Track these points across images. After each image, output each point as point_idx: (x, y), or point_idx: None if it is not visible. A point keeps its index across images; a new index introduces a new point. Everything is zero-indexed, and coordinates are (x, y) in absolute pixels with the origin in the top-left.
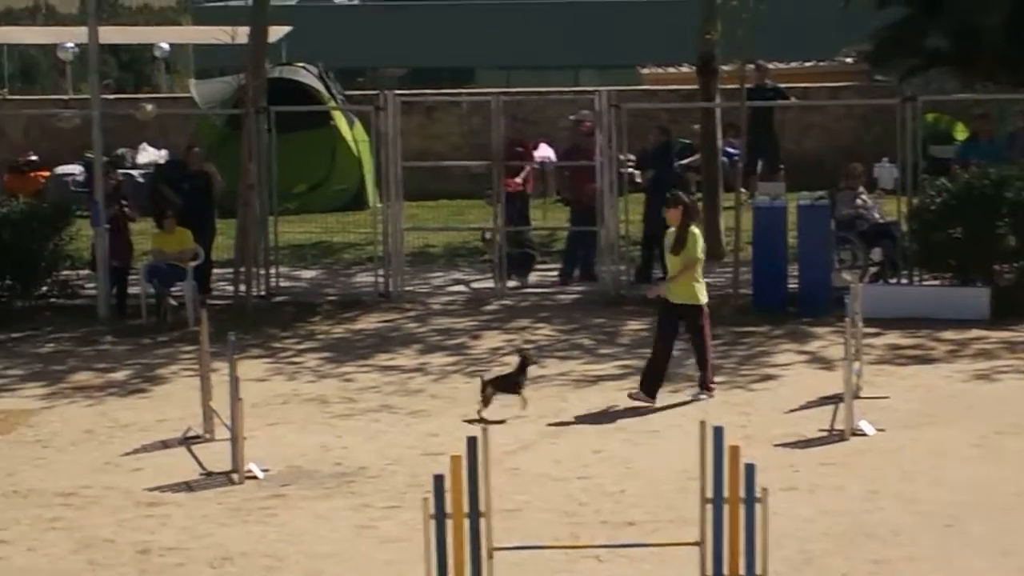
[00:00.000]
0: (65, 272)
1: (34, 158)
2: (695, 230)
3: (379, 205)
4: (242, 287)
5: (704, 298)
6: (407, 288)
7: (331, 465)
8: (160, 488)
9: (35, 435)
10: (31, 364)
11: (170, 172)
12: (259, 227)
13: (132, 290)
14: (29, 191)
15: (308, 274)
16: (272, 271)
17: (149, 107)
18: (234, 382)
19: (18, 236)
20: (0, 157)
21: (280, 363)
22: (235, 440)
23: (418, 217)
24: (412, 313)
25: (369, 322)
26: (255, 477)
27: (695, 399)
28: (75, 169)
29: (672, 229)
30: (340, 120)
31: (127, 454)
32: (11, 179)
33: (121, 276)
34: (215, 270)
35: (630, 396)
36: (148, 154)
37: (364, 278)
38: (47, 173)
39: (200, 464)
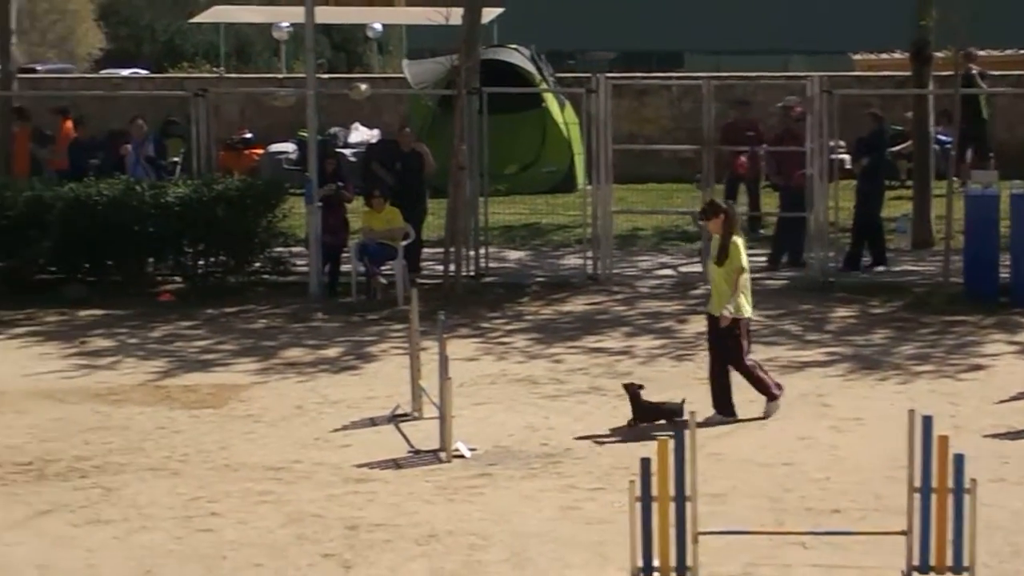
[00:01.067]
0: (278, 249)
1: (248, 136)
2: (737, 239)
3: (588, 187)
4: (451, 267)
5: (747, 312)
6: (615, 271)
7: (537, 445)
8: (368, 465)
9: (246, 410)
10: (243, 339)
11: (382, 152)
12: (469, 208)
13: (344, 268)
14: (243, 169)
15: (516, 255)
16: (481, 251)
17: (363, 87)
18: (443, 361)
19: (232, 213)
20: (215, 135)
21: (489, 343)
22: (443, 419)
23: (627, 200)
24: (620, 296)
25: (577, 304)
26: (462, 456)
27: (767, 414)
28: (288, 147)
29: (715, 239)
30: (551, 102)
31: (336, 430)
32: (226, 156)
33: (335, 254)
34: (425, 250)
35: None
36: (360, 133)
37: (572, 260)
38: (261, 151)
39: (408, 442)
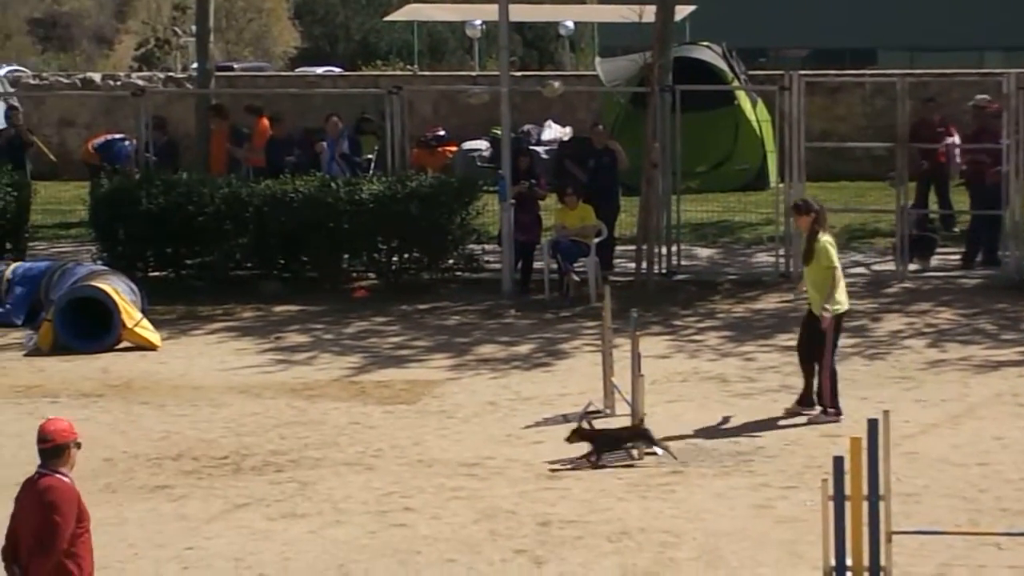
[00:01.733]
0: (471, 246)
1: (442, 133)
2: (824, 238)
3: (780, 185)
4: (644, 264)
5: (842, 308)
6: None
7: (729, 444)
8: (560, 461)
9: (440, 405)
10: (437, 335)
11: (575, 149)
12: (662, 205)
13: (536, 265)
14: (437, 166)
15: (708, 253)
16: (673, 249)
17: (556, 84)
18: (636, 358)
19: (426, 210)
20: (409, 132)
21: (680, 341)
22: (635, 416)
23: (819, 198)
24: None
25: (769, 302)
26: (654, 453)
27: (812, 421)
28: (482, 145)
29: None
30: (743, 100)
31: (529, 426)
32: (419, 154)
33: (528, 251)
34: (617, 247)
35: (811, 420)
36: (552, 131)
37: (764, 258)
38: (454, 148)
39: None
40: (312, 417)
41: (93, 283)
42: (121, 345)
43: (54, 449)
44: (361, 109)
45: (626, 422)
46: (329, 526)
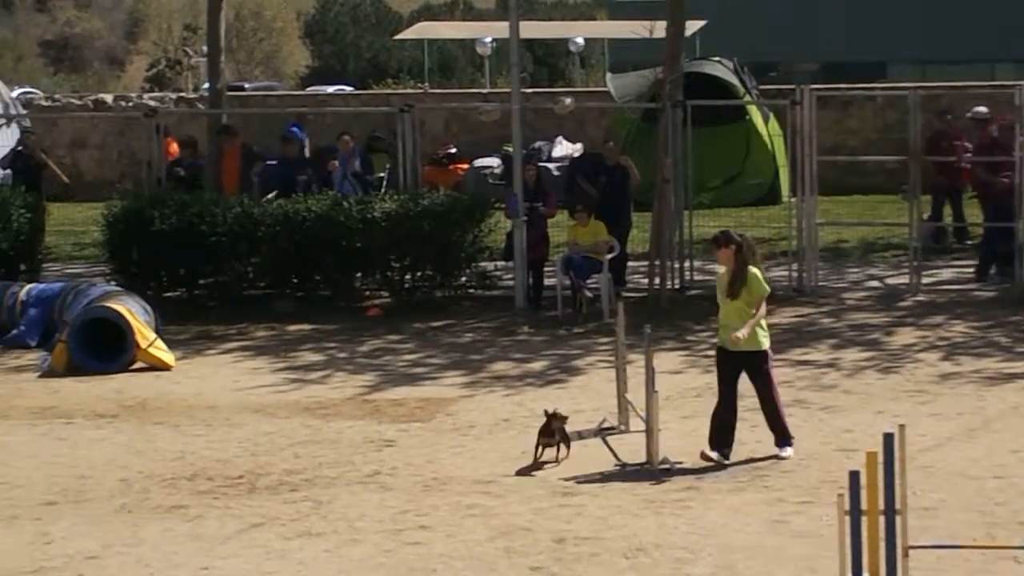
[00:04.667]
0: (483, 263)
1: (453, 151)
2: (753, 269)
3: (793, 199)
4: (657, 280)
5: (767, 343)
6: (821, 283)
7: (744, 459)
8: (575, 478)
9: (454, 423)
10: (451, 353)
11: (587, 165)
12: (674, 220)
13: (548, 282)
14: (449, 183)
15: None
16: (686, 264)
17: (568, 100)
18: (650, 374)
19: (439, 227)
20: (421, 150)
21: (695, 356)
22: (650, 432)
23: (831, 212)
24: (826, 308)
25: (783, 316)
26: (670, 469)
27: (776, 458)
28: (493, 162)
29: (723, 271)
30: (755, 114)
31: None
32: (431, 171)
33: (536, 268)
34: (630, 263)
35: (703, 456)
36: (563, 147)
37: (778, 272)
38: (466, 166)
39: (615, 455)
40: (327, 436)
41: (107, 304)
42: (135, 365)
43: None
44: (372, 127)
45: (635, 439)
46: (345, 545)
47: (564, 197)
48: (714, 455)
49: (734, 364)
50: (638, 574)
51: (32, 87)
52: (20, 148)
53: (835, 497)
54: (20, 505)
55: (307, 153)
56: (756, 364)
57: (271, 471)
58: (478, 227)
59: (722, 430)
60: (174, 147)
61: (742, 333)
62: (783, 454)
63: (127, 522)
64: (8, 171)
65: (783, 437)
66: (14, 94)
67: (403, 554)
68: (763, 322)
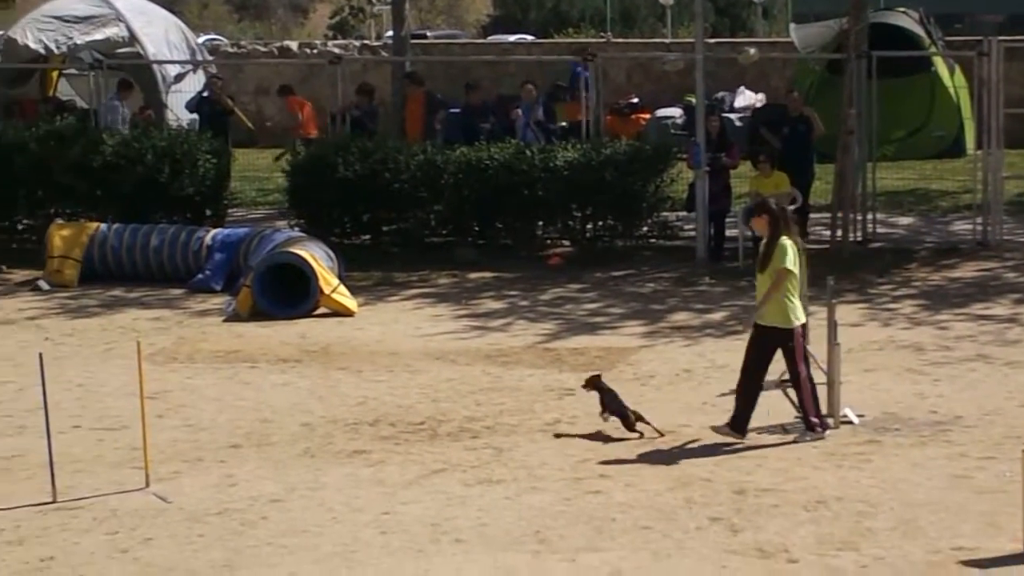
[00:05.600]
0: (665, 213)
1: (635, 101)
2: (785, 241)
3: (977, 153)
4: (839, 232)
5: (797, 320)
6: (1006, 237)
7: (926, 413)
8: (756, 430)
9: (634, 373)
10: (631, 303)
11: (769, 116)
12: (857, 173)
13: (730, 233)
14: (630, 133)
15: (904, 221)
16: (869, 217)
17: (752, 51)
18: (831, 327)
19: (620, 177)
20: (603, 100)
21: (875, 309)
22: (831, 385)
23: (1017, 165)
24: (1011, 262)
25: (966, 270)
26: (850, 422)
27: (799, 441)
28: (675, 112)
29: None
30: (940, 66)
31: (723, 395)
32: (613, 121)
33: (718, 219)
34: (812, 215)
35: (714, 429)
36: (745, 97)
37: (961, 226)
38: (648, 116)
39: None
40: (507, 384)
41: (291, 249)
42: (318, 311)
43: None
44: (555, 76)
45: (821, 392)
46: (525, 492)
47: (746, 148)
48: (725, 431)
49: (762, 337)
50: (818, 527)
51: (218, 34)
52: (206, 94)
53: (1019, 453)
54: (205, 448)
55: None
56: (783, 341)
57: (452, 418)
58: (660, 177)
59: (746, 408)
60: (308, 109)
61: (759, 313)
62: (807, 438)
63: (310, 466)
64: (195, 115)
65: (806, 422)
66: (200, 40)
67: (583, 502)
68: (793, 298)
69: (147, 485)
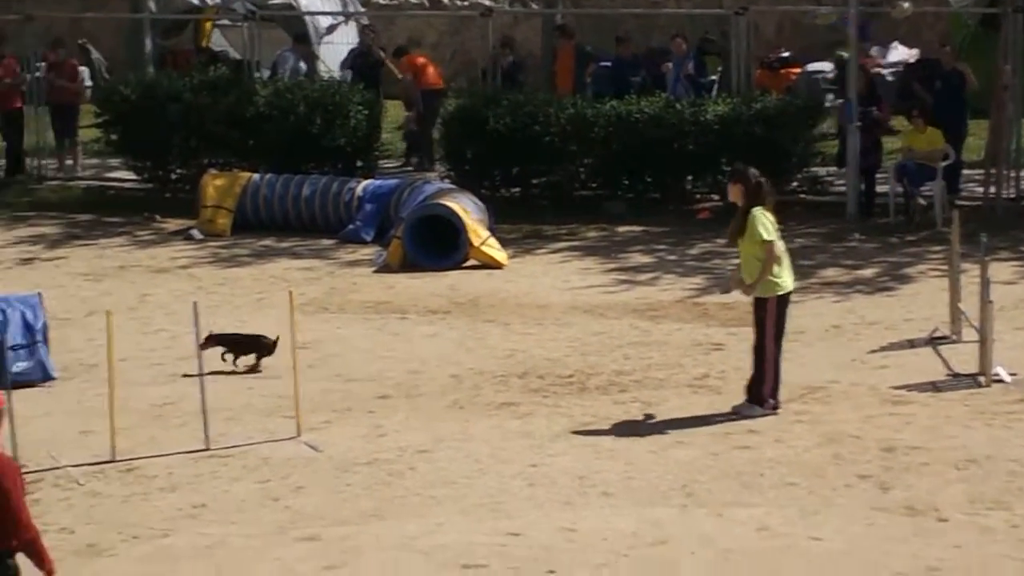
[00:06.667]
0: (815, 169)
1: (786, 55)
2: (756, 211)
3: None
4: (992, 189)
5: (770, 292)
6: None
7: None
8: (906, 387)
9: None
10: None
11: (922, 71)
12: (1011, 128)
13: (880, 188)
14: (780, 88)
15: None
16: (1023, 174)
17: (906, 5)
18: (985, 284)
19: (770, 132)
20: (753, 53)
21: None
22: (983, 342)
23: None
24: None
25: None
26: (1002, 381)
27: (736, 412)
28: (826, 67)
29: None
30: None
31: (873, 351)
32: (762, 75)
33: (868, 175)
34: (965, 171)
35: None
36: (898, 52)
37: None
38: (798, 70)
39: (947, 365)
40: (656, 338)
41: (441, 201)
42: (468, 263)
43: None
44: (705, 30)
45: (968, 349)
46: (672, 447)
47: (897, 103)
48: (770, 403)
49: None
50: (969, 485)
51: None
52: (358, 47)
53: None
54: (355, 398)
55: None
56: (756, 310)
57: (600, 371)
58: (810, 132)
59: (774, 377)
60: (420, 60)
61: (744, 290)
62: (745, 411)
63: (458, 417)
64: (348, 70)
65: (752, 396)
66: None
67: (731, 457)
68: (786, 267)
69: (298, 434)
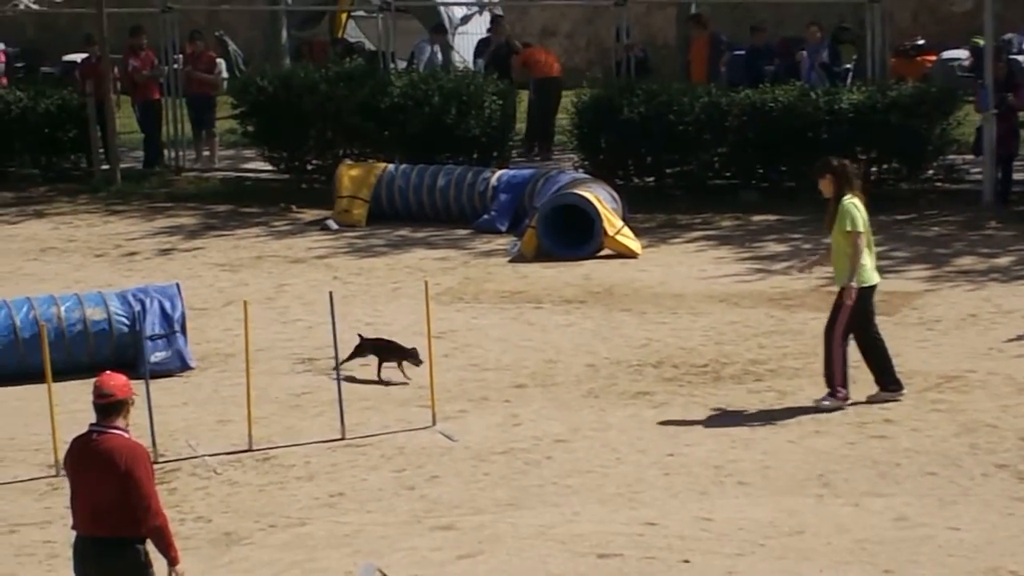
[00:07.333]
0: (951, 156)
1: (921, 42)
2: (847, 201)
3: None
4: None
5: (857, 281)
6: None
7: None
8: None
9: (919, 317)
10: (915, 247)
11: None
12: None
13: (1017, 176)
14: (916, 75)
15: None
16: None
17: None
18: None
19: (905, 120)
20: (888, 41)
21: None
22: None
23: None
24: None
25: None
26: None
27: (817, 405)
28: (961, 54)
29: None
30: None
31: (1010, 340)
32: (898, 63)
33: (1005, 163)
34: None
35: (870, 400)
36: None
37: None
38: (933, 58)
39: None
40: (791, 327)
41: (576, 191)
42: (602, 252)
43: (115, 405)
44: (839, 18)
45: None
46: (808, 436)
47: None
48: (840, 393)
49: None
50: None
51: None
52: (488, 38)
53: None
54: (491, 387)
55: None
56: (839, 294)
57: (736, 360)
58: (946, 120)
59: (884, 362)
60: (534, 55)
61: (848, 296)
62: (824, 403)
63: (594, 407)
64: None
65: (828, 384)
66: None
67: (867, 447)
68: (864, 258)
69: (434, 423)
